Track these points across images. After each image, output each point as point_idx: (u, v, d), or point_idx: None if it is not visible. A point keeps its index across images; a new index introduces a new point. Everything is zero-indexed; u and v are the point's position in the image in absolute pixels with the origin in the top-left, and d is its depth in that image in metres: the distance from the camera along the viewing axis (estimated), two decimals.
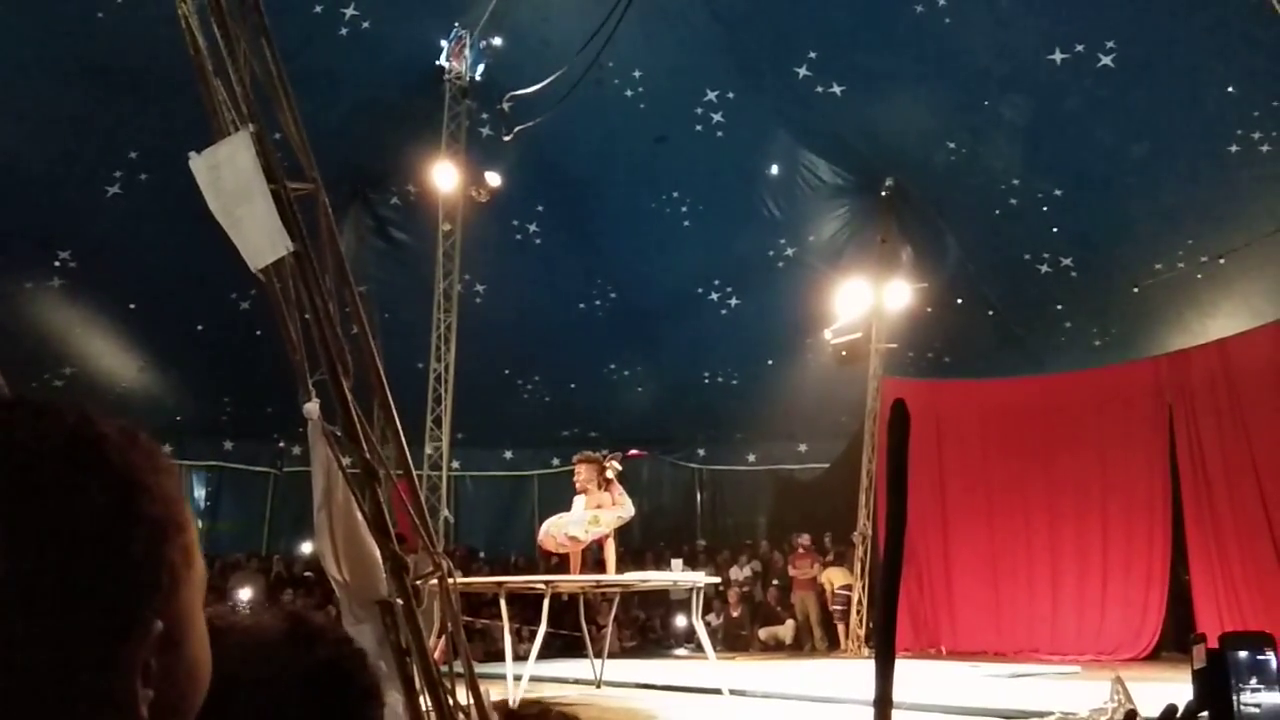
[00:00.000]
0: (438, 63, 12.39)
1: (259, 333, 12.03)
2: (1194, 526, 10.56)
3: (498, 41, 12.46)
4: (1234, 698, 1.32)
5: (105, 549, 0.58)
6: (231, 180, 3.41)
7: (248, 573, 13.27)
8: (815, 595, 13.30)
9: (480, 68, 12.47)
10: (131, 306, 12.56)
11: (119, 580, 0.58)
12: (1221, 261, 11.09)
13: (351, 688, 1.00)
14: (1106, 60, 10.47)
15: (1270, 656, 1.33)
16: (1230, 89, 10.21)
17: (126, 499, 0.60)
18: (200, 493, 15.01)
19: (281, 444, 15.05)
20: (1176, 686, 1.43)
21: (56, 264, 11.93)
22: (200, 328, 13.07)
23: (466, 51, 12.31)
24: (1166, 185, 11.04)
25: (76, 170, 11.30)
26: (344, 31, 11.37)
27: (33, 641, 0.56)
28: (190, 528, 0.65)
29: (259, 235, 3.40)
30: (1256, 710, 1.30)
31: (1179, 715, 1.29)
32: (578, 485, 8.46)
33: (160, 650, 0.60)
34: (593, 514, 8.24)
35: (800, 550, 13.52)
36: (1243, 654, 1.34)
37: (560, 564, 10.38)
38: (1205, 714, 1.30)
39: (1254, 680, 1.33)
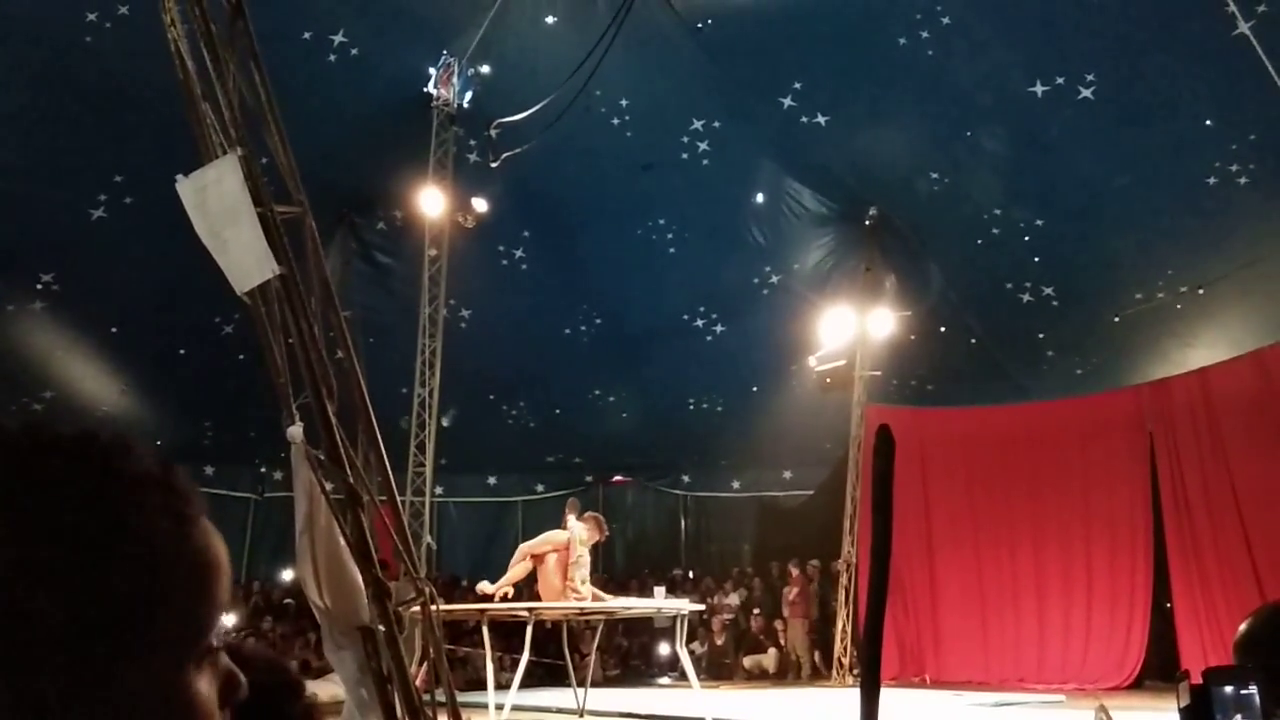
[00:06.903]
0: (425, 89, 12.44)
1: (241, 357, 11.97)
2: (1176, 554, 10.59)
3: (485, 69, 12.53)
4: None
5: (164, 576, 0.60)
6: (218, 203, 3.40)
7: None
8: (804, 623, 13.29)
9: (468, 95, 12.53)
10: (113, 329, 12.47)
11: (171, 610, 0.60)
12: (1201, 292, 11.21)
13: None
14: (1087, 92, 10.62)
15: (1253, 691, 1.33)
16: (1208, 122, 10.37)
17: (185, 532, 0.62)
18: None
19: (263, 469, 14.92)
20: (1160, 715, 1.43)
21: (39, 286, 11.84)
22: (182, 351, 12.98)
23: (454, 79, 12.37)
24: (1146, 216, 11.18)
25: (61, 192, 11.25)
26: (333, 58, 11.41)
27: (61, 666, 0.57)
28: (229, 570, 0.66)
29: (245, 258, 3.38)
30: None
31: None
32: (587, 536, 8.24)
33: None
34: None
35: (794, 576, 13.53)
36: (1227, 689, 1.34)
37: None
38: None
39: (1238, 716, 1.33)
